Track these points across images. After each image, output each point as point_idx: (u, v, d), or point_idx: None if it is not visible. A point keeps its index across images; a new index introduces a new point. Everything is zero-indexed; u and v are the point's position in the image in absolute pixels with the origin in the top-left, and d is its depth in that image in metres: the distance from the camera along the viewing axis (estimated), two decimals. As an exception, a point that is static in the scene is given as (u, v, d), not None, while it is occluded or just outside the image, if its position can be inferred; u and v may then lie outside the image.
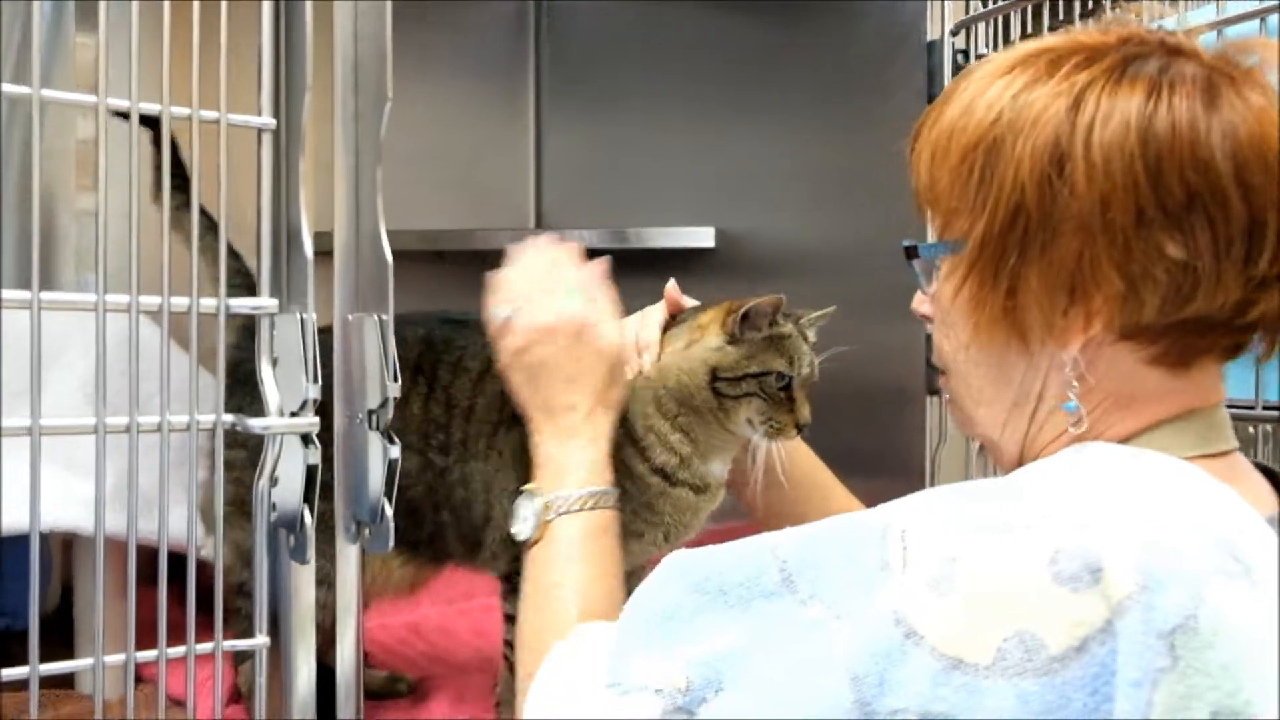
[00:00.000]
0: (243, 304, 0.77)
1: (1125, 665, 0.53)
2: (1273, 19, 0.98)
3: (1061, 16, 1.16)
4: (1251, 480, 0.68)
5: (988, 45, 1.21)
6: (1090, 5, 1.11)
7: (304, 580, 0.83)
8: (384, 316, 0.82)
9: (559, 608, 0.81)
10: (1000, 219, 0.65)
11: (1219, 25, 1.00)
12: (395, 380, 0.81)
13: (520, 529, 0.87)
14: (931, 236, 0.72)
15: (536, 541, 0.86)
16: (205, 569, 0.76)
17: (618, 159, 1.94)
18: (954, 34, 1.23)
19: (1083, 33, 0.69)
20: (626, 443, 0.99)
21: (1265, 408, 0.94)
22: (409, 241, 1.91)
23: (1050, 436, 0.69)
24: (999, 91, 0.66)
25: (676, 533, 1.04)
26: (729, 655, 0.65)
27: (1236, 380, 0.98)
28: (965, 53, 1.24)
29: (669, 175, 1.86)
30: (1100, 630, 0.54)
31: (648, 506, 1.01)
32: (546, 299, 0.91)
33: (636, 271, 1.06)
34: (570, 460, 0.88)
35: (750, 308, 0.96)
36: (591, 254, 1.85)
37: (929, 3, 1.23)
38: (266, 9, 0.78)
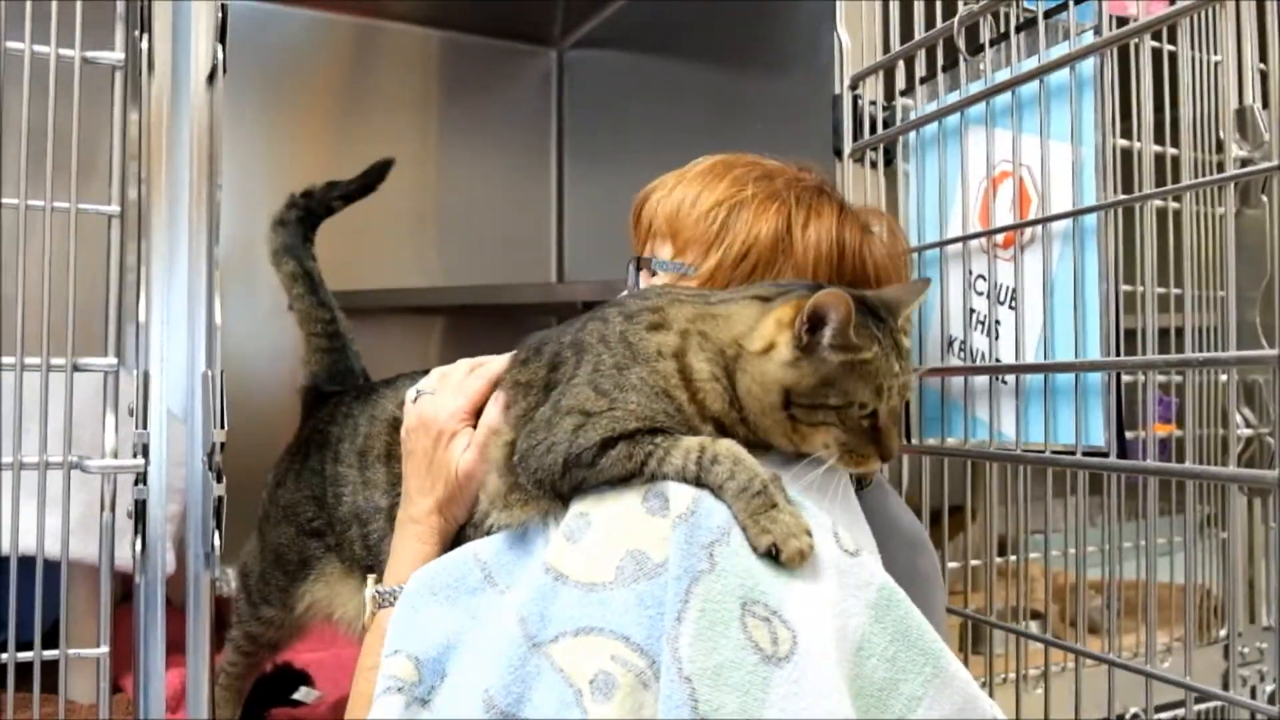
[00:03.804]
0: (92, 363, 0.91)
1: (673, 564, 0.73)
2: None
3: (926, 70, 1.17)
4: None
5: (878, 97, 1.22)
6: (950, 59, 1.11)
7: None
8: (211, 370, 0.94)
9: (371, 689, 0.85)
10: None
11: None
12: (221, 427, 0.92)
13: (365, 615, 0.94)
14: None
15: (366, 628, 0.92)
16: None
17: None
18: (852, 88, 1.24)
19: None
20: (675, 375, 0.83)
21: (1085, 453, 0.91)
22: (433, 298, 2.03)
23: None
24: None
25: None
26: (446, 646, 0.80)
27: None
28: (872, 102, 1.25)
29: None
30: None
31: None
32: (443, 395, 0.95)
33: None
34: (404, 552, 0.93)
35: (811, 313, 0.78)
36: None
37: (835, 58, 1.26)
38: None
